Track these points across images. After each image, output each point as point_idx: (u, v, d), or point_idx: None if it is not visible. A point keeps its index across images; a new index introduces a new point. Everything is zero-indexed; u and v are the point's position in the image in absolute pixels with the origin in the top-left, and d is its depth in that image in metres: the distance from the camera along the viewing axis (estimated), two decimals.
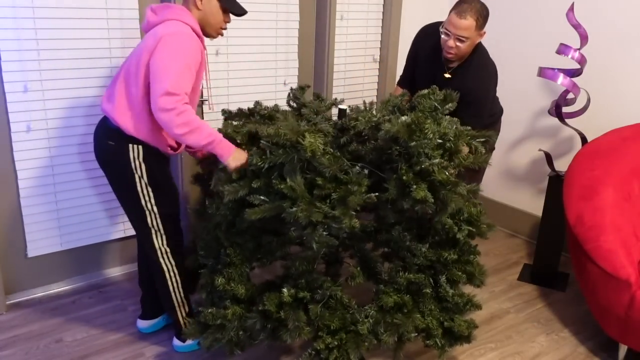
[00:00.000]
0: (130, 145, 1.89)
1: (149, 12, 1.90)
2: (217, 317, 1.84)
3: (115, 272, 2.77)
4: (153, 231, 2.01)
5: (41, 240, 2.50)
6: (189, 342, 2.17)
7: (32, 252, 2.50)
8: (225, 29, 1.99)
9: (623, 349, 2.23)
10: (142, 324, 2.31)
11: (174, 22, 1.84)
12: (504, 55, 3.25)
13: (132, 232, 2.74)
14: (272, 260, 2.02)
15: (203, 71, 1.94)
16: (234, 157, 1.85)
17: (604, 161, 2.36)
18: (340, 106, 2.06)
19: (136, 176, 1.92)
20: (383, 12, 3.24)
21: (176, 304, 2.12)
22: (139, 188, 1.93)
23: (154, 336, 2.29)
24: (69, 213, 2.54)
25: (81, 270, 2.67)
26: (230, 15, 1.96)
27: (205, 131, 1.80)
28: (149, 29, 1.89)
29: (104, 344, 2.24)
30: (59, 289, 2.62)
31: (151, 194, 1.95)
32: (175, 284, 2.09)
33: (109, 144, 1.91)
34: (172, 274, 2.08)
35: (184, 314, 2.14)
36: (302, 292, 1.82)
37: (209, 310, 1.86)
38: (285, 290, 1.82)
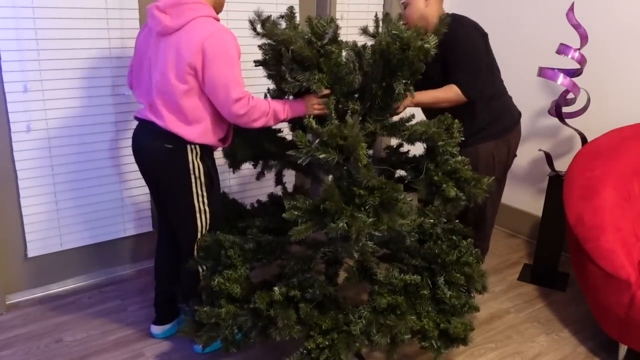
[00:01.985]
0: (189, 146, 1.92)
1: (161, 15, 1.79)
2: (211, 316, 1.86)
3: (115, 272, 2.77)
4: (199, 234, 2.04)
5: (41, 240, 2.50)
6: None
7: (32, 252, 2.50)
8: None
9: (623, 349, 2.23)
10: (156, 329, 2.28)
11: (200, 20, 1.78)
12: (504, 55, 3.25)
13: (132, 231, 2.74)
14: (273, 260, 2.03)
15: None
16: (308, 105, 1.93)
17: (604, 161, 2.36)
18: None
19: (193, 177, 1.95)
20: (383, 12, 3.24)
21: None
22: (194, 187, 1.96)
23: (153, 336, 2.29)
24: (69, 213, 2.54)
25: (81, 270, 2.67)
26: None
27: (279, 107, 1.91)
28: (168, 32, 1.80)
29: (104, 344, 2.24)
30: (59, 289, 2.62)
31: (205, 194, 1.99)
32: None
33: (166, 147, 1.90)
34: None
35: None
36: (293, 291, 1.83)
37: (204, 309, 1.87)
38: (276, 288, 1.83)
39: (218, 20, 1.85)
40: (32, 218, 2.45)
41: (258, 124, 1.87)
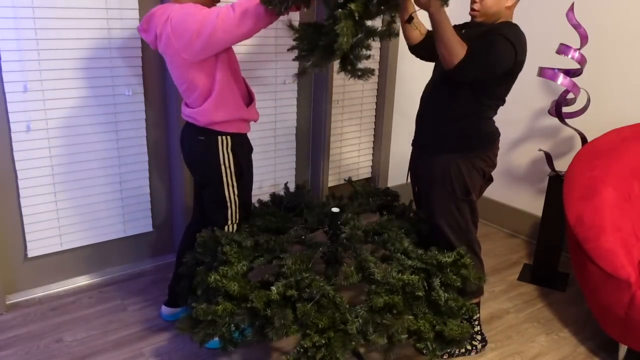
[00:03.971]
0: (219, 137, 2.01)
1: (144, 34, 2.01)
2: (207, 313, 1.86)
3: (115, 272, 2.77)
4: (229, 224, 2.12)
5: (41, 240, 2.50)
6: None
7: (32, 252, 2.50)
8: None
9: (623, 349, 2.23)
10: (165, 310, 2.38)
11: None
12: None
13: (132, 231, 2.74)
14: (271, 258, 2.03)
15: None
16: None
17: (604, 161, 2.36)
18: (334, 209, 2.17)
19: (223, 167, 2.03)
20: None
21: None
22: (225, 179, 2.05)
23: (153, 336, 2.29)
24: (69, 213, 2.54)
25: (81, 270, 2.67)
26: None
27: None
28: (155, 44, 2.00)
29: (104, 344, 2.24)
30: (59, 289, 2.62)
31: (235, 184, 2.07)
32: None
33: (199, 139, 2.02)
34: None
35: None
36: (290, 290, 1.84)
37: (201, 306, 1.87)
38: (274, 288, 1.83)
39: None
40: (32, 218, 2.45)
41: (248, 20, 1.78)
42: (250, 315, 1.84)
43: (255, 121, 2.14)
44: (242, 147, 2.10)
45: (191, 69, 1.90)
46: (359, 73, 1.77)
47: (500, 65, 1.98)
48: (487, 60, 1.94)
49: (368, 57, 1.77)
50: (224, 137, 2.02)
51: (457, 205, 2.15)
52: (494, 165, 2.22)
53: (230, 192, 2.08)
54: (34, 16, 2.22)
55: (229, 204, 2.09)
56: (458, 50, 1.90)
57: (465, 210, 2.17)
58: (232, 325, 1.86)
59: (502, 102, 2.14)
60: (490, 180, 2.26)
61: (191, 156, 2.11)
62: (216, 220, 2.12)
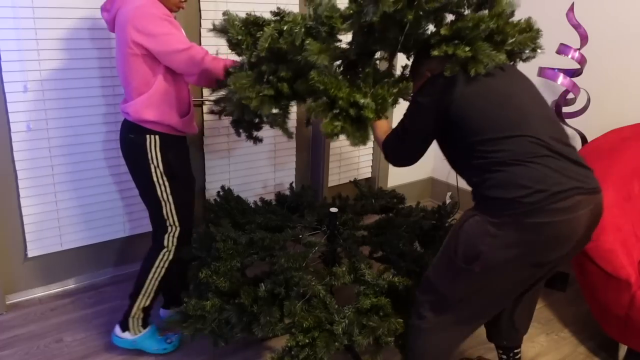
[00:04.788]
0: (148, 136, 1.97)
1: (104, 14, 1.99)
2: (197, 308, 1.87)
3: (115, 272, 2.77)
4: (167, 224, 2.07)
5: (41, 240, 2.50)
6: (126, 335, 2.15)
7: (32, 252, 2.50)
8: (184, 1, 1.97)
9: (623, 349, 2.23)
10: (162, 312, 2.41)
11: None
12: None
13: (133, 231, 2.74)
14: (266, 256, 2.03)
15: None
16: None
17: (604, 161, 2.36)
18: (332, 209, 2.16)
19: (152, 167, 1.99)
20: None
21: (142, 293, 2.11)
22: (154, 178, 2.00)
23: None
24: (69, 213, 2.54)
25: (81, 270, 2.67)
26: None
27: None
28: (111, 26, 2.00)
29: (104, 344, 2.24)
30: (59, 289, 2.62)
31: (166, 184, 2.02)
32: (156, 275, 2.11)
33: (129, 137, 1.99)
34: (159, 269, 2.10)
35: (141, 306, 2.13)
36: (278, 288, 1.84)
37: (191, 301, 1.88)
38: (262, 285, 1.84)
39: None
40: (32, 218, 2.45)
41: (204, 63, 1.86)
42: (238, 311, 1.85)
43: (189, 134, 2.10)
44: (173, 148, 2.03)
45: (135, 60, 1.87)
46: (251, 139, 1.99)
47: (417, 131, 1.66)
48: (400, 138, 1.70)
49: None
50: (152, 136, 1.97)
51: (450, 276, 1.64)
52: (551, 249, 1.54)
53: (162, 191, 2.02)
54: (34, 16, 2.23)
55: (163, 203, 2.04)
56: (384, 151, 1.77)
57: (461, 286, 1.62)
58: (223, 320, 1.87)
59: (489, 147, 1.54)
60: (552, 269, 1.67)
61: (123, 153, 2.07)
62: (154, 218, 2.09)
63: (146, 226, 2.78)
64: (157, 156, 1.98)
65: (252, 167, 3.03)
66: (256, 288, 1.86)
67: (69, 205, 2.53)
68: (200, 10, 2.62)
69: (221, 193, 2.51)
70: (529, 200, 1.46)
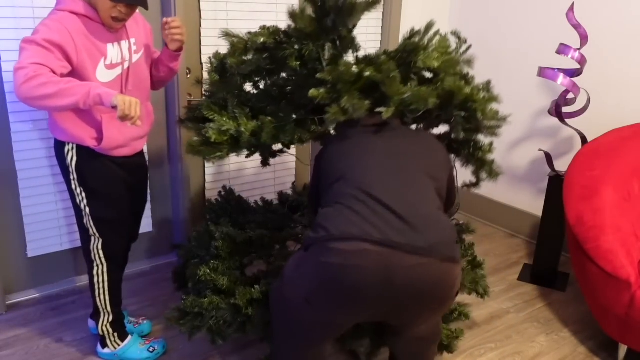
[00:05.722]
0: (65, 149, 1.88)
1: None
2: (194, 306, 1.87)
3: None
4: (90, 233, 1.98)
5: (41, 240, 2.50)
6: (106, 351, 2.12)
7: (32, 252, 2.50)
8: (117, 17, 1.75)
9: (623, 349, 2.23)
10: (92, 323, 2.28)
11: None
12: (504, 55, 3.25)
13: None
14: (264, 255, 2.03)
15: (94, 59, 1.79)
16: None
17: (604, 161, 2.36)
18: None
19: (71, 176, 1.92)
20: (383, 12, 3.24)
21: (100, 311, 2.06)
22: (73, 186, 1.93)
23: (153, 336, 2.29)
24: (69, 213, 2.54)
25: (81, 270, 2.67)
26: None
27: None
28: None
29: None
30: (59, 289, 2.62)
31: (83, 195, 1.93)
32: (101, 291, 2.04)
33: (54, 137, 1.91)
34: (101, 284, 2.03)
35: (105, 323, 2.08)
36: None
37: (189, 299, 1.88)
38: (257, 286, 1.84)
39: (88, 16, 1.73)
40: (32, 218, 2.45)
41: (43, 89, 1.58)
42: (233, 311, 1.86)
43: (104, 151, 1.89)
44: (90, 163, 1.89)
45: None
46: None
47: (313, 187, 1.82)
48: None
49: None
50: (69, 146, 1.87)
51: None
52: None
53: (80, 201, 1.93)
54: (34, 16, 2.22)
55: (82, 213, 1.95)
56: None
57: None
58: (220, 319, 1.87)
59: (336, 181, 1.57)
60: None
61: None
62: (78, 225, 2.00)
63: (145, 227, 2.78)
64: (72, 165, 1.89)
65: (252, 166, 3.03)
66: (252, 289, 1.85)
67: (69, 205, 2.53)
68: (200, 10, 2.62)
69: (222, 193, 2.51)
70: (313, 236, 1.45)
